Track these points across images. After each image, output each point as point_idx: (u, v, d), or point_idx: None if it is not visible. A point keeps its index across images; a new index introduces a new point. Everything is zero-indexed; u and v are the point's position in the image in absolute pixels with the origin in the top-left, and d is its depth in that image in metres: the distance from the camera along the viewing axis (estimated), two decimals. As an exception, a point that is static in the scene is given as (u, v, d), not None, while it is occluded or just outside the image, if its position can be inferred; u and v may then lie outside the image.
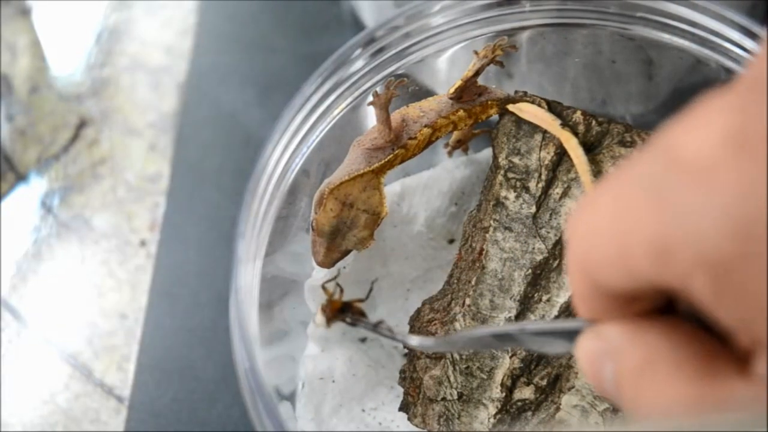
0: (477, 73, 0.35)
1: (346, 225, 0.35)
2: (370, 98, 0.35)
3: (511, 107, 0.35)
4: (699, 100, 0.18)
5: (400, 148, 0.35)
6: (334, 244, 0.35)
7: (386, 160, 0.35)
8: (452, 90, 0.35)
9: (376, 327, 0.33)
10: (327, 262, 0.35)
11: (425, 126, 0.35)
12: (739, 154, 0.17)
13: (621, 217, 0.19)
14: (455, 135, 0.40)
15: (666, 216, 0.17)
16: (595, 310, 0.21)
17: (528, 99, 0.35)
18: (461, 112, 0.36)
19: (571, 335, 0.23)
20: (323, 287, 0.35)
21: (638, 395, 0.20)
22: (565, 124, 0.34)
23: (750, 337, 0.17)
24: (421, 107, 0.36)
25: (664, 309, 0.20)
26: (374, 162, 0.35)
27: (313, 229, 0.35)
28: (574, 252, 0.20)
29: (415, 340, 0.32)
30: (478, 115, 0.36)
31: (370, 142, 0.35)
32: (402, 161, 0.35)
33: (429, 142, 0.36)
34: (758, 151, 0.16)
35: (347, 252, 0.36)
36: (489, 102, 0.36)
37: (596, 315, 0.21)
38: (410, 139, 0.35)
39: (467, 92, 0.36)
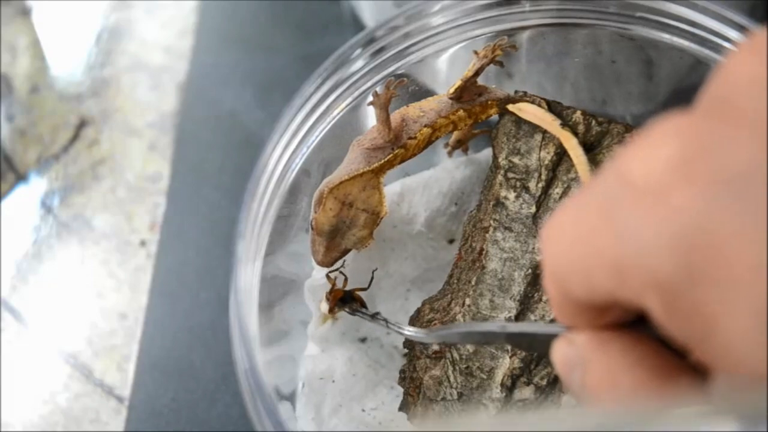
0: (477, 73, 0.35)
1: (346, 224, 0.35)
2: (370, 98, 0.35)
3: (510, 107, 0.35)
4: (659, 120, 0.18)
5: (399, 148, 0.35)
6: (334, 243, 0.35)
7: (386, 159, 0.35)
8: (452, 90, 0.35)
9: (374, 317, 0.34)
10: (326, 261, 0.35)
11: (425, 126, 0.35)
12: (687, 182, 0.17)
13: (580, 234, 0.19)
14: (455, 135, 0.40)
15: (618, 236, 0.18)
16: (569, 316, 0.21)
17: (528, 99, 0.35)
18: (461, 112, 0.36)
19: (551, 338, 0.23)
20: (327, 276, 0.35)
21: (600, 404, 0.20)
22: (565, 123, 0.34)
23: (702, 355, 0.18)
24: (421, 107, 0.36)
25: (638, 320, 0.20)
26: (374, 162, 0.35)
27: (312, 229, 0.35)
28: (546, 260, 0.21)
29: (409, 331, 0.33)
30: (478, 115, 0.36)
31: (370, 142, 0.35)
32: (402, 161, 0.35)
33: (429, 141, 0.36)
34: (705, 180, 0.16)
35: (347, 251, 0.36)
36: (489, 102, 0.36)
37: (570, 321, 0.22)
38: (410, 138, 0.35)
39: (467, 92, 0.36)
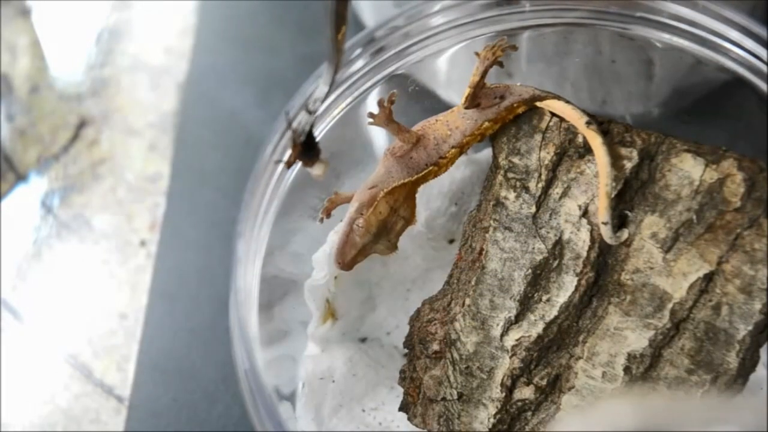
0: (482, 77, 0.34)
1: (387, 228, 0.34)
2: (370, 118, 0.34)
3: (538, 104, 0.34)
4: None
5: (432, 165, 0.35)
6: (368, 247, 0.34)
7: (423, 173, 0.34)
8: (464, 100, 0.34)
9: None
10: (350, 264, 0.34)
11: (453, 147, 0.35)
12: None
13: None
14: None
15: None
16: None
17: (554, 96, 0.34)
18: (486, 124, 0.35)
19: None
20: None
21: None
22: (592, 122, 0.33)
23: None
24: (448, 124, 0.35)
25: None
26: (413, 173, 0.34)
27: (351, 231, 0.34)
28: None
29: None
30: (504, 119, 0.35)
31: (400, 150, 0.34)
32: (435, 177, 0.35)
33: (460, 154, 0.35)
34: None
35: (367, 255, 0.35)
36: (515, 105, 0.35)
37: None
38: (441, 158, 0.35)
39: (485, 98, 0.34)
